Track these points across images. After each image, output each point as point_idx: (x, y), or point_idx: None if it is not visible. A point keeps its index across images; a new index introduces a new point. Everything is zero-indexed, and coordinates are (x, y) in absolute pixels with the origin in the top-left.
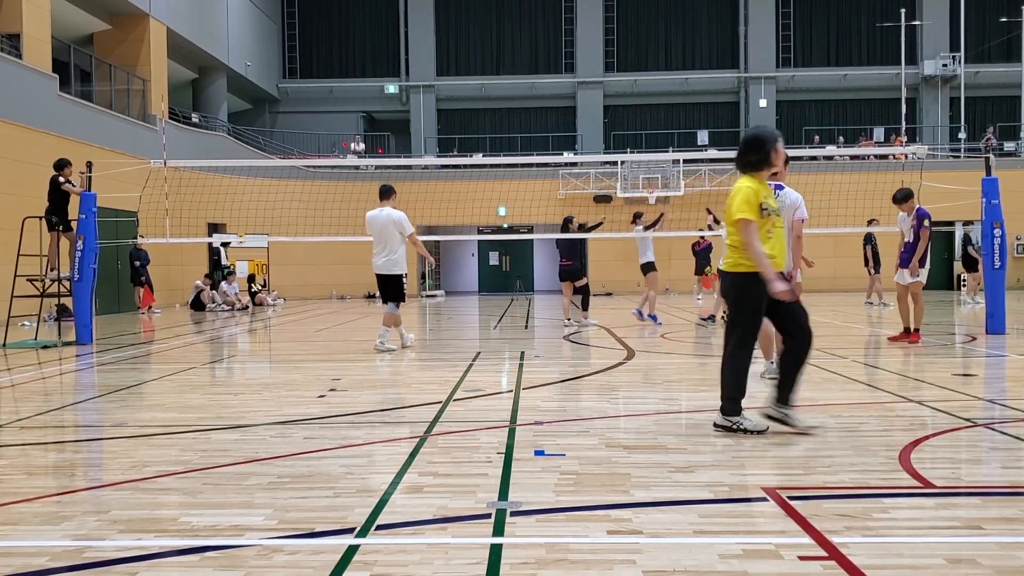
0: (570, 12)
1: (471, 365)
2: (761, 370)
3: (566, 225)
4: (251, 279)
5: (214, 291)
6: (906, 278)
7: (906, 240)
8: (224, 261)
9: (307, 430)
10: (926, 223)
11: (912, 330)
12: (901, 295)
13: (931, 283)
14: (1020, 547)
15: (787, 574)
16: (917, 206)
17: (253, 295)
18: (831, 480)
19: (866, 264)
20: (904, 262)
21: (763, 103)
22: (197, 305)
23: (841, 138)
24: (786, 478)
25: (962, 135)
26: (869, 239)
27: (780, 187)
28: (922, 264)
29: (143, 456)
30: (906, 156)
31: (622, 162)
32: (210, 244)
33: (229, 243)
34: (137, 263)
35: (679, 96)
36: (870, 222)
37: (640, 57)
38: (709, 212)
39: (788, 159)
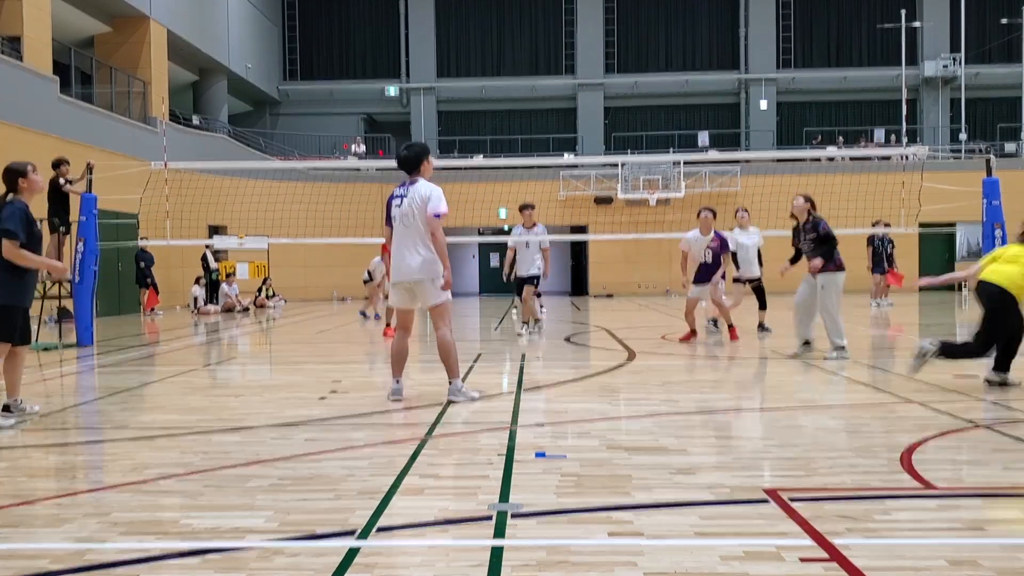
0: (570, 14)
1: (472, 367)
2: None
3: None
4: (265, 281)
5: (213, 294)
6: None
7: (705, 261)
8: (213, 265)
9: (308, 432)
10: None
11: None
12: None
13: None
14: (1022, 549)
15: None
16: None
17: (256, 297)
18: (832, 481)
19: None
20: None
21: (764, 104)
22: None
23: (841, 139)
24: (787, 479)
25: (963, 136)
26: (872, 241)
27: None
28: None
29: (144, 458)
30: (906, 157)
31: (623, 164)
32: (204, 254)
33: (212, 245)
34: (142, 264)
35: (679, 98)
36: (875, 223)
37: (640, 58)
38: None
39: None
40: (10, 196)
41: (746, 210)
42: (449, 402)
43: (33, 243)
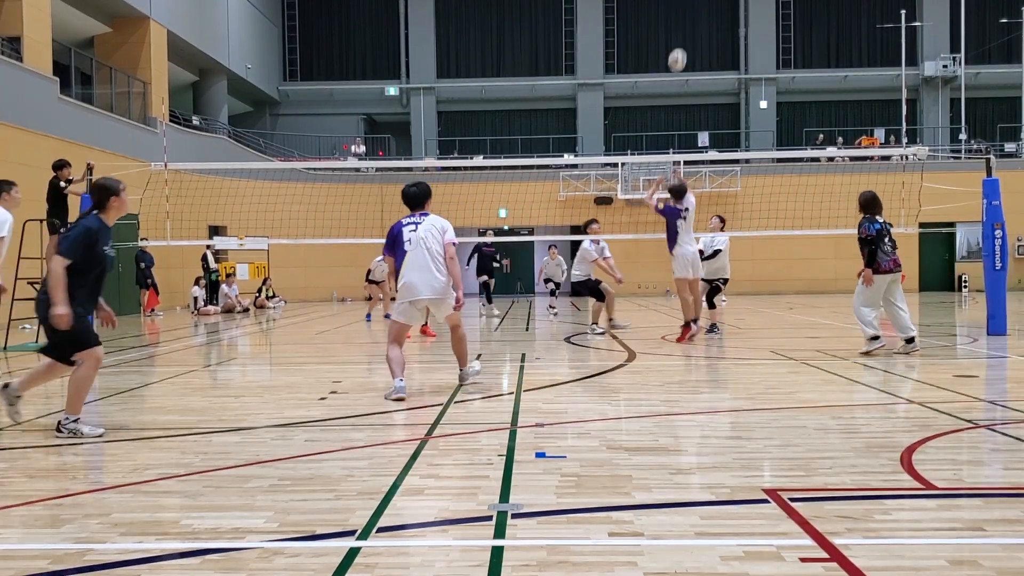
0: (570, 14)
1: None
2: None
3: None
4: (264, 282)
5: (213, 294)
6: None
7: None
8: (213, 265)
9: (308, 432)
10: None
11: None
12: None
13: (931, 283)
14: (1022, 548)
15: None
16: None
17: (256, 298)
18: (832, 481)
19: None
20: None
21: (763, 105)
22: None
23: (840, 139)
24: (787, 479)
25: (963, 136)
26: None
27: None
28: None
29: (144, 459)
30: (906, 157)
31: (623, 164)
32: (204, 254)
33: (212, 246)
34: (142, 265)
35: (679, 98)
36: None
37: (640, 59)
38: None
39: None
40: (93, 212)
41: (720, 218)
42: (459, 387)
43: (94, 265)
